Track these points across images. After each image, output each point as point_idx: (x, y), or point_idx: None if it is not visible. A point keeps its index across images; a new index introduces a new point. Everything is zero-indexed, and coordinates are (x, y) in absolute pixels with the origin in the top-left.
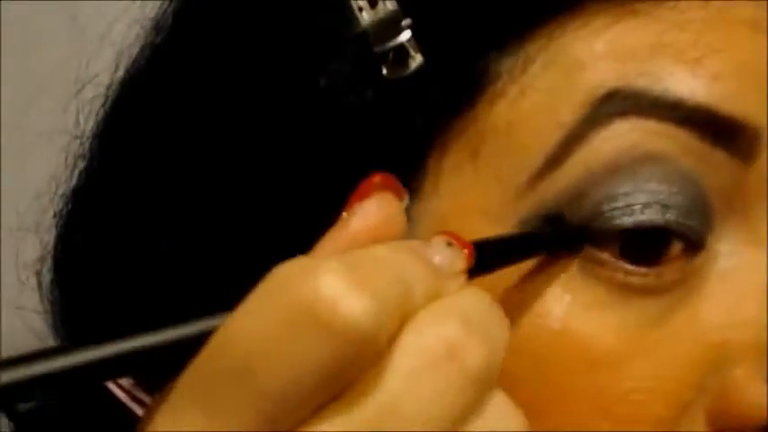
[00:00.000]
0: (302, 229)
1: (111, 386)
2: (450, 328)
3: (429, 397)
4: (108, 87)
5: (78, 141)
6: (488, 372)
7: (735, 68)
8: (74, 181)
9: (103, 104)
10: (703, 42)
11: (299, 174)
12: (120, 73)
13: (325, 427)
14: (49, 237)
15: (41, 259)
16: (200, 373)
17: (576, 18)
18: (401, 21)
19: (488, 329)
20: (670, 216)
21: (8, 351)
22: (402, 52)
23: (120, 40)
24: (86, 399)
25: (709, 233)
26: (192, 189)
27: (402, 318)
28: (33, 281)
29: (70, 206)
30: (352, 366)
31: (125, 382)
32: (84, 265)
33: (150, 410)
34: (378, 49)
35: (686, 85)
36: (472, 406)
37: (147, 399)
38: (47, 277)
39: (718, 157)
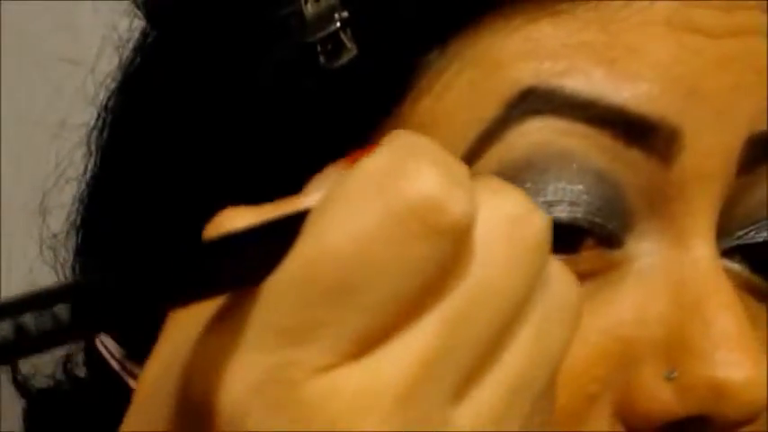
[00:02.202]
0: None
1: (104, 352)
2: (509, 203)
3: (506, 269)
4: (112, 80)
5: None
6: (546, 234)
7: (651, 69)
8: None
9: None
10: (620, 43)
11: (245, 157)
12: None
13: (427, 323)
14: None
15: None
16: (288, 300)
17: (499, 17)
18: (338, 13)
19: (528, 200)
20: (577, 214)
21: None
22: (337, 43)
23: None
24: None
25: (628, 232)
26: (174, 171)
27: None
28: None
29: (91, 190)
30: (451, 259)
31: (116, 350)
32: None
33: (207, 358)
34: (314, 37)
35: (599, 85)
36: (539, 269)
37: (137, 370)
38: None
39: (634, 156)
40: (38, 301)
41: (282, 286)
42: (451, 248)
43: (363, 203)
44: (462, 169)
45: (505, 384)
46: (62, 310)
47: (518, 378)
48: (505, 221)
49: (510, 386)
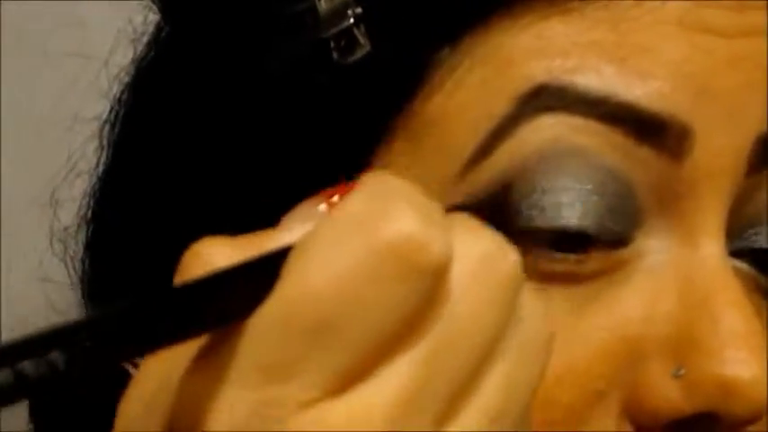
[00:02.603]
0: (258, 205)
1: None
2: (481, 242)
3: (482, 306)
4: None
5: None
6: (519, 272)
7: (662, 67)
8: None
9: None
10: (631, 41)
11: (258, 152)
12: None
13: (407, 358)
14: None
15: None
16: (269, 337)
17: (511, 15)
18: (353, 9)
19: (500, 238)
20: (586, 220)
21: None
22: (351, 38)
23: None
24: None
25: (637, 229)
26: (182, 169)
27: None
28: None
29: (102, 184)
30: (429, 298)
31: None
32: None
33: (192, 394)
34: (328, 33)
35: (610, 82)
36: (513, 305)
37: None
38: (77, 255)
39: (645, 153)
40: (34, 347)
41: (265, 325)
42: (430, 287)
43: (344, 244)
44: (438, 209)
45: (483, 416)
46: (57, 358)
47: (495, 409)
48: (478, 260)
49: (487, 417)
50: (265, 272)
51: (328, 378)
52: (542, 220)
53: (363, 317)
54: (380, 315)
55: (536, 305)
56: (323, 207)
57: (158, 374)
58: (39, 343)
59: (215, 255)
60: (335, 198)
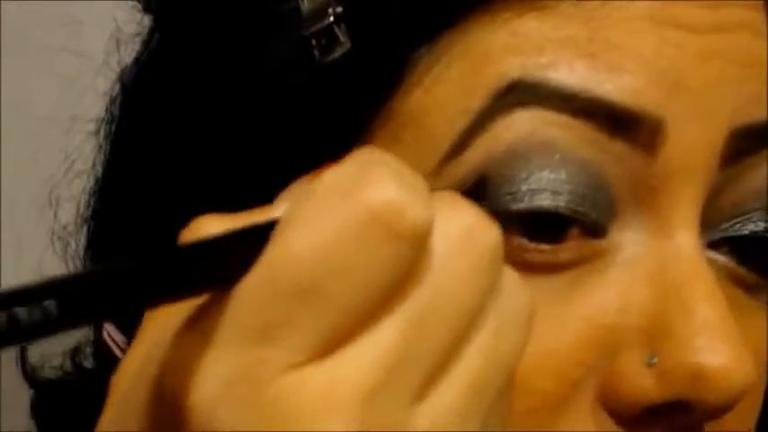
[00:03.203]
0: (248, 201)
1: (109, 341)
2: (464, 216)
3: (463, 277)
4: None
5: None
6: (500, 247)
7: (633, 62)
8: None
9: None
10: (602, 37)
11: (244, 149)
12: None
13: (389, 325)
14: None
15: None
16: (254, 300)
17: (487, 13)
18: (334, 8)
19: (482, 213)
20: (560, 202)
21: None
22: (332, 37)
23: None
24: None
25: (612, 222)
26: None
27: None
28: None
29: (100, 183)
30: (410, 264)
31: (120, 340)
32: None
33: (179, 357)
34: (309, 31)
35: (583, 77)
36: (494, 279)
37: None
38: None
39: (618, 147)
40: (29, 294)
41: (250, 289)
42: (410, 253)
43: (327, 209)
44: (421, 182)
45: (464, 386)
46: (51, 305)
47: (476, 380)
48: (461, 233)
49: (468, 388)
50: (255, 240)
51: (313, 342)
52: (517, 205)
53: (345, 280)
54: (362, 278)
55: (516, 279)
56: None
57: (153, 335)
58: (34, 291)
59: (211, 228)
60: None
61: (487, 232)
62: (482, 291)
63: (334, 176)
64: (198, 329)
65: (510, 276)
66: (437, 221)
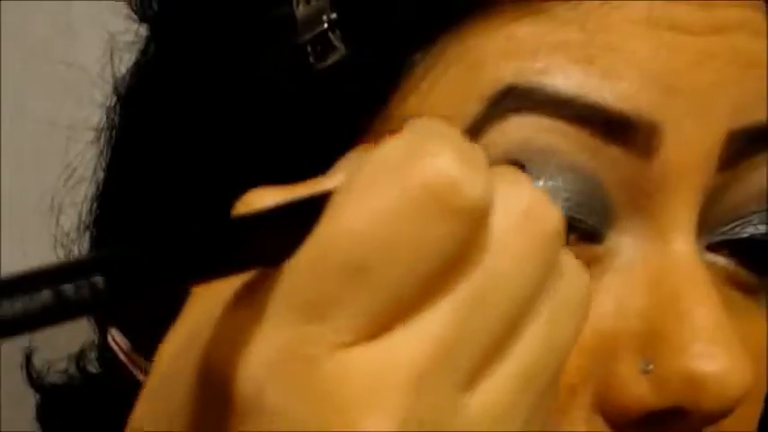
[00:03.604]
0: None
1: (113, 345)
2: (525, 196)
3: (522, 259)
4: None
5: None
6: (561, 229)
7: (629, 66)
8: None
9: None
10: (598, 41)
11: (243, 156)
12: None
13: (442, 307)
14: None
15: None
16: (306, 276)
17: (482, 17)
18: (328, 14)
19: (544, 194)
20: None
21: (9, 347)
22: (327, 43)
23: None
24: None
25: (609, 227)
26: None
27: None
28: None
29: (102, 189)
30: (466, 242)
31: (125, 344)
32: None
33: (226, 334)
34: (304, 38)
35: (578, 83)
36: (553, 262)
37: (143, 363)
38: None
39: (613, 152)
40: (76, 270)
41: (301, 264)
42: (467, 231)
43: (381, 183)
44: (481, 156)
45: (517, 375)
46: (99, 281)
47: (529, 369)
48: (521, 213)
49: (521, 377)
50: (307, 213)
51: (363, 321)
52: None
53: (398, 257)
54: (416, 256)
55: (575, 263)
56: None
57: (199, 312)
58: (81, 266)
59: (266, 200)
60: None
61: (548, 212)
62: (540, 273)
63: (391, 147)
64: (247, 306)
65: (570, 260)
66: (497, 199)
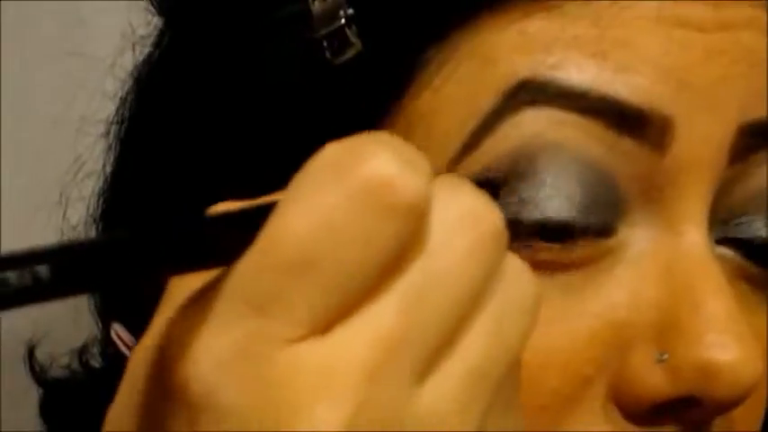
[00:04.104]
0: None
1: (117, 340)
2: (468, 199)
3: (463, 257)
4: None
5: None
6: (503, 231)
7: (641, 61)
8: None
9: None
10: (611, 36)
11: (255, 150)
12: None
13: (387, 303)
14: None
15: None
16: (253, 273)
17: (496, 13)
18: (344, 10)
19: (485, 197)
20: (571, 212)
21: (9, 347)
22: (343, 39)
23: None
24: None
25: (621, 220)
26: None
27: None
28: None
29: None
30: (406, 240)
31: (128, 338)
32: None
33: (182, 325)
34: (320, 33)
35: (591, 77)
36: (495, 262)
37: None
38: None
39: (626, 146)
40: (22, 259)
41: (249, 262)
42: (406, 228)
43: (322, 183)
44: (422, 160)
45: (465, 370)
46: (42, 270)
47: (478, 364)
48: (461, 214)
49: (470, 372)
50: (257, 219)
51: (309, 316)
52: (526, 213)
53: (338, 253)
54: (356, 252)
55: (521, 265)
56: None
57: (167, 312)
58: (26, 256)
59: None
60: None
61: (488, 214)
62: (482, 273)
63: (331, 152)
64: (198, 304)
65: (514, 262)
66: (437, 202)
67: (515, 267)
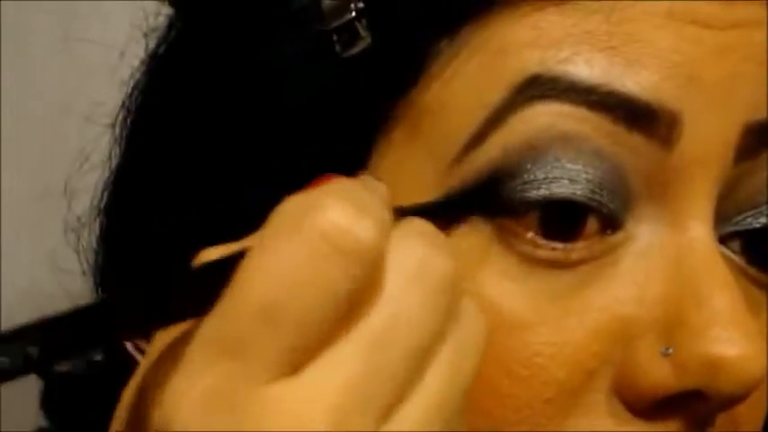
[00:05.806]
0: (265, 192)
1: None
2: (420, 246)
3: (420, 304)
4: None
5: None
6: (457, 277)
7: (651, 57)
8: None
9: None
10: (622, 32)
11: (264, 143)
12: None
13: (351, 347)
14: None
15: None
16: (224, 320)
17: (508, 7)
18: (355, 3)
19: (445, 245)
20: (577, 190)
21: None
22: (353, 32)
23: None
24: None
25: (628, 213)
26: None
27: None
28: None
29: (115, 176)
30: (362, 285)
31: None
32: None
33: (161, 371)
34: (331, 26)
35: (601, 71)
36: (450, 306)
37: None
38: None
39: (635, 140)
40: (11, 340)
41: (219, 309)
42: (361, 272)
43: (284, 234)
44: (379, 207)
45: (427, 405)
46: (33, 351)
47: (438, 400)
48: (414, 262)
49: (431, 407)
50: (228, 269)
51: (278, 358)
52: (533, 193)
53: (301, 298)
54: (315, 297)
55: (472, 306)
56: None
57: (150, 362)
58: (17, 337)
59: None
60: None
61: (441, 262)
62: (437, 317)
63: (291, 205)
64: (176, 350)
65: (467, 304)
66: (391, 250)
67: (468, 309)
